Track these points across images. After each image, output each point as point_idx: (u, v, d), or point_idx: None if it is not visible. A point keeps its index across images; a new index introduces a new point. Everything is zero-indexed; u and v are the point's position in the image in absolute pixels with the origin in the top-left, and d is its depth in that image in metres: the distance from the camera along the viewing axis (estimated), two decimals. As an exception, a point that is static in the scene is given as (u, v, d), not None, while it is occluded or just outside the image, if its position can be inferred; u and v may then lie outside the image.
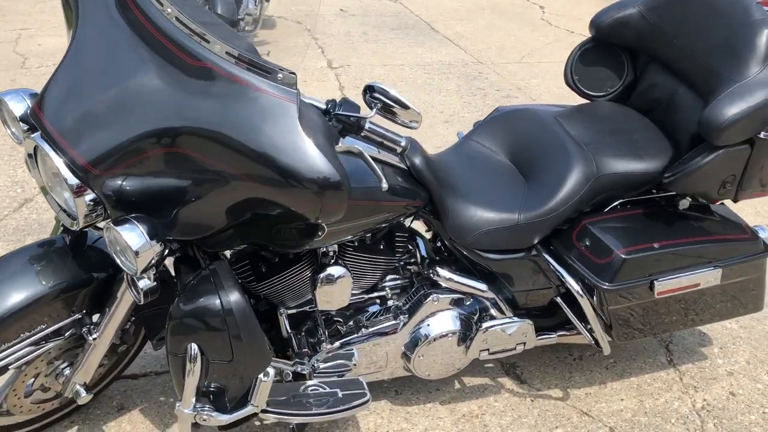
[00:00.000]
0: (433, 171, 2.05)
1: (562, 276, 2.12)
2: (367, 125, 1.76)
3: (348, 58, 5.88)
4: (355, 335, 2.15)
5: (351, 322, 2.19)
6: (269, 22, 6.94)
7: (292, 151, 1.54)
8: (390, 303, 2.21)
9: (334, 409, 2.08)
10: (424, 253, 2.21)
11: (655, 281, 2.10)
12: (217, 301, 1.73)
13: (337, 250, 2.03)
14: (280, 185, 1.57)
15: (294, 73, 1.59)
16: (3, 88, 4.84)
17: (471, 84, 5.45)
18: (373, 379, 2.28)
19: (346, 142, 1.79)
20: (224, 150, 1.56)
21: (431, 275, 2.15)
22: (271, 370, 1.87)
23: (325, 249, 2.01)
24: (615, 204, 2.23)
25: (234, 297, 1.74)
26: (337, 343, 2.14)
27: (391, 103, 1.70)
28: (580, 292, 2.13)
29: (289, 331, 2.16)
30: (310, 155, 1.54)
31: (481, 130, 2.37)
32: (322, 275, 1.99)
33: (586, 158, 2.12)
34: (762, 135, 2.01)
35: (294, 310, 2.11)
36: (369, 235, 2.06)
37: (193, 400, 1.82)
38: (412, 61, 5.90)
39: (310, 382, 2.12)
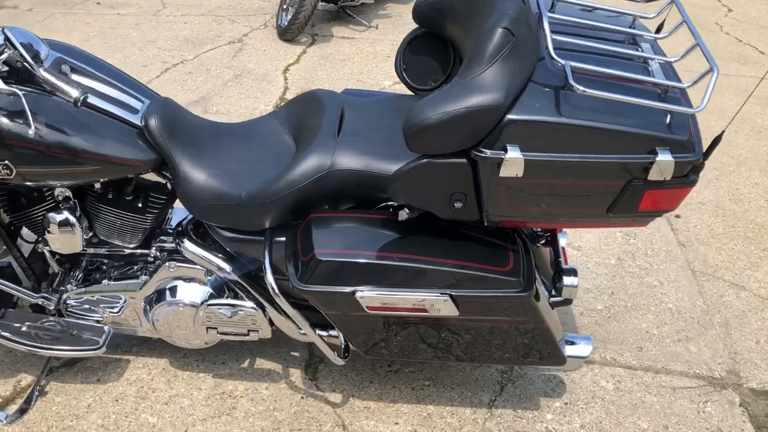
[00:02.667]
0: (173, 135, 2.03)
1: (265, 268, 2.00)
2: (41, 72, 1.81)
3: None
4: (99, 285, 2.21)
5: (107, 271, 2.25)
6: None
7: None
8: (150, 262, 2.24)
9: (57, 347, 2.19)
10: (182, 219, 2.20)
11: (357, 291, 1.89)
12: None
13: (71, 195, 2.10)
14: None
15: None
16: (127, 29, 5.48)
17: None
18: (137, 334, 2.32)
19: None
20: None
21: (176, 244, 2.14)
22: None
23: (61, 192, 2.10)
24: (385, 204, 2.03)
25: None
26: (83, 288, 2.22)
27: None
28: (276, 291, 1.99)
29: (58, 267, 2.28)
30: None
31: (285, 107, 2.27)
32: (48, 217, 2.08)
33: (326, 149, 1.95)
34: (488, 153, 1.69)
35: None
36: (99, 185, 2.09)
37: None
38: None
39: (51, 318, 2.24)
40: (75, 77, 2.01)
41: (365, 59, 5.23)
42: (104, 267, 2.29)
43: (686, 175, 1.72)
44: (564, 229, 2.61)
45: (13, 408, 2.25)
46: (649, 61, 1.85)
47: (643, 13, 2.01)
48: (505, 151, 1.66)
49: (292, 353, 2.51)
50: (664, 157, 1.66)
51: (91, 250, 2.23)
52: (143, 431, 2.20)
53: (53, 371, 2.39)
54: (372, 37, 5.69)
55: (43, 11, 5.79)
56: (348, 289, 1.88)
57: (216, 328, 2.17)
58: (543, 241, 2.21)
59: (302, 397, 2.34)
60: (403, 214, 1.88)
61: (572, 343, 2.20)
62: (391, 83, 4.79)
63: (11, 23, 5.35)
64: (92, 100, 1.96)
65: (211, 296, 2.16)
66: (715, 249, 3.25)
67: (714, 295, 2.96)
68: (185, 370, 2.42)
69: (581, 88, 1.62)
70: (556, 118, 1.65)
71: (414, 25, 2.19)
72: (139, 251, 2.24)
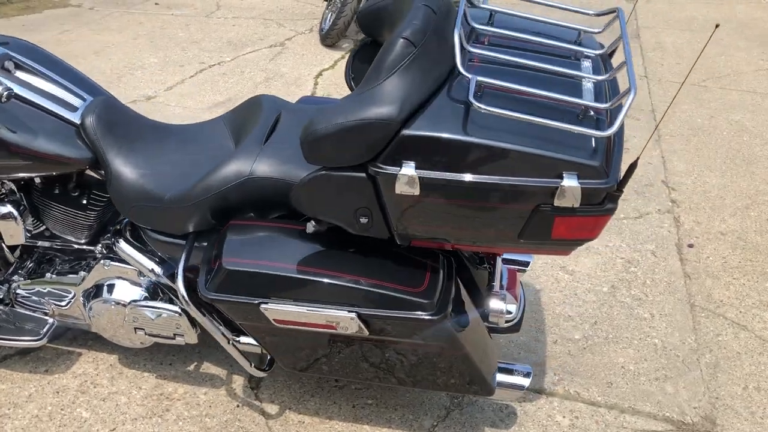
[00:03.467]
0: (108, 133, 2.05)
1: (177, 272, 1.98)
2: None
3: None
4: (43, 277, 2.25)
5: (55, 264, 2.29)
6: None
7: None
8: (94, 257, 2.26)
9: (-1, 336, 2.24)
10: (123, 218, 2.21)
11: (263, 304, 1.84)
12: None
13: (15, 188, 2.15)
14: None
15: None
16: (176, 30, 5.63)
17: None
18: (91, 330, 2.33)
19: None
20: None
21: (112, 243, 2.16)
22: None
23: (8, 184, 2.15)
24: None
25: None
26: (29, 280, 2.27)
27: None
28: (185, 296, 1.96)
29: (13, 258, 2.34)
30: None
31: (231, 112, 2.25)
32: (-9, 208, 2.13)
33: (248, 155, 1.92)
34: (383, 168, 1.61)
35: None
36: (39, 180, 2.13)
37: None
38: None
39: (0, 307, 2.29)
40: (19, 74, 2.05)
41: (402, 67, 5.15)
42: (56, 260, 2.32)
43: (601, 203, 1.59)
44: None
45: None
46: (583, 78, 1.72)
47: (589, 28, 1.88)
48: (400, 166, 1.58)
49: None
50: (570, 183, 1.53)
51: (45, 244, 2.27)
52: (74, 425, 2.22)
53: (6, 359, 2.45)
54: (415, 44, 5.60)
55: (103, 10, 6.02)
56: (254, 301, 1.83)
57: (143, 329, 2.17)
58: (485, 264, 2.09)
59: (238, 406, 2.31)
60: (310, 227, 1.81)
61: (510, 372, 2.08)
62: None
63: (71, 20, 5.60)
64: (27, 95, 1.99)
65: (139, 297, 2.15)
66: (723, 283, 3.02)
67: (709, 332, 2.75)
68: (132, 368, 2.43)
69: (481, 105, 1.53)
70: (455, 136, 1.56)
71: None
72: (87, 247, 2.26)
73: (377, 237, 1.77)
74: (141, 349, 2.47)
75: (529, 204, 1.59)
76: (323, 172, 1.66)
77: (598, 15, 1.91)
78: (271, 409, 2.31)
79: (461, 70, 1.57)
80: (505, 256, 2.45)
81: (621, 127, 1.63)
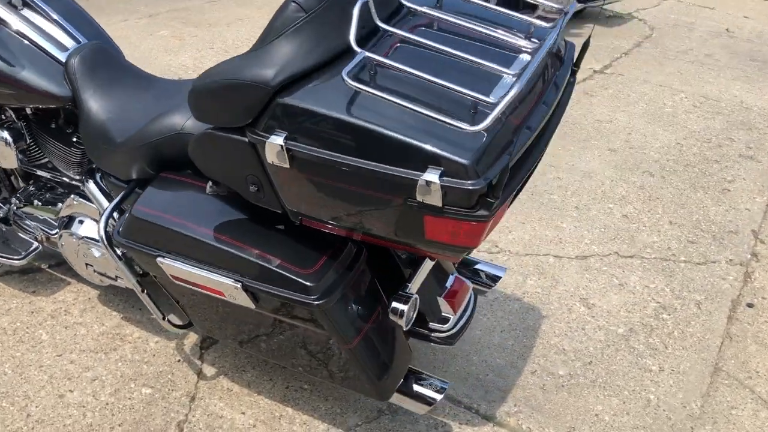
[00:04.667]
0: (88, 76, 2.15)
1: (101, 213, 2.03)
2: None
3: (634, 71, 5.24)
4: (31, 205, 2.42)
5: (47, 194, 2.46)
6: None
7: None
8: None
9: (-16, 249, 2.43)
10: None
11: (159, 257, 1.85)
12: None
13: (13, 116, 2.33)
14: None
15: None
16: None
17: (729, 134, 4.38)
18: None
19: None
20: None
21: (83, 180, 2.27)
22: None
23: (5, 111, 2.34)
24: None
25: None
26: (23, 204, 2.45)
27: None
28: (103, 236, 2.00)
29: (23, 182, 2.55)
30: None
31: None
32: (-11, 131, 2.33)
33: (186, 111, 1.92)
34: (254, 134, 1.56)
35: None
36: (30, 111, 2.28)
37: None
38: (701, 93, 4.94)
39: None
40: (24, 11, 2.20)
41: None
42: (54, 191, 2.48)
43: (472, 207, 1.42)
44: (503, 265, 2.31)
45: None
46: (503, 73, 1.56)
47: (540, 22, 1.70)
48: (269, 135, 1.51)
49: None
50: (431, 178, 1.39)
51: (47, 175, 2.43)
52: (29, 343, 2.36)
53: (7, 274, 2.66)
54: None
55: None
56: (152, 252, 1.84)
57: (92, 266, 2.25)
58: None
59: (179, 360, 2.34)
60: (208, 187, 1.79)
61: (422, 382, 1.94)
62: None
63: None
64: (21, 29, 2.14)
65: (93, 234, 2.23)
66: (771, 354, 2.61)
67: (724, 403, 2.38)
68: (105, 305, 2.54)
69: (352, 82, 1.43)
70: (325, 110, 1.47)
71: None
72: (76, 183, 2.38)
73: (271, 209, 1.70)
74: (120, 291, 2.57)
75: (396, 196, 1.46)
76: (209, 130, 1.63)
77: (558, 12, 1.71)
78: (209, 371, 2.31)
79: (353, 44, 1.48)
80: (480, 267, 2.29)
81: (506, 125, 1.46)
